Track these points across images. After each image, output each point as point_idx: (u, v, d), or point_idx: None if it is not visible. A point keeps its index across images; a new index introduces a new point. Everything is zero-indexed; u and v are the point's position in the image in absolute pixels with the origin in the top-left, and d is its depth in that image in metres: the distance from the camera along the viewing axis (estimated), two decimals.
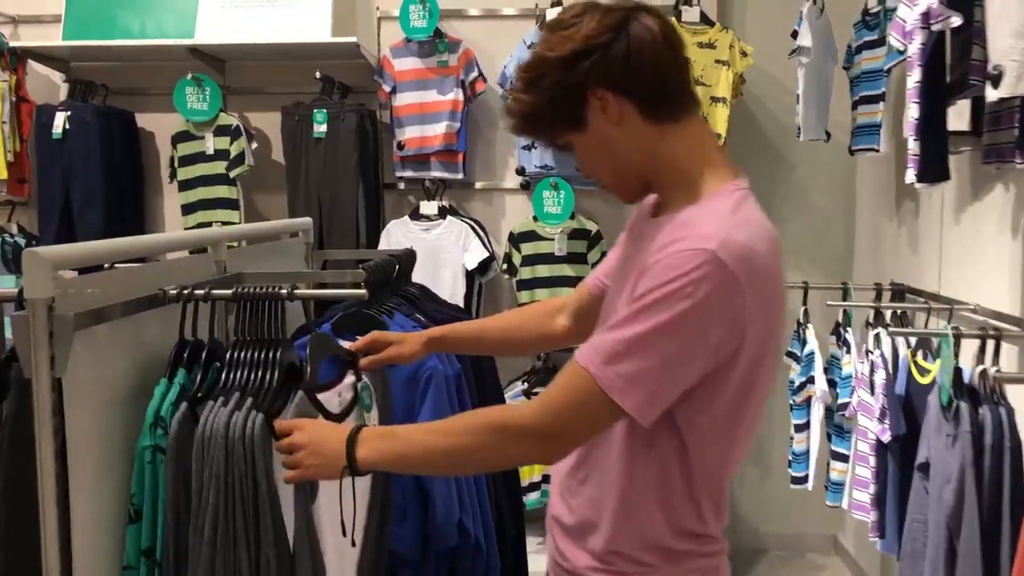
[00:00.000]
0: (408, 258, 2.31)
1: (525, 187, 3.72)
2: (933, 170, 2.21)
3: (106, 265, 2.23)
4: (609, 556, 1.24)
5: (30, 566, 1.31)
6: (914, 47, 2.12)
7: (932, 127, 2.16)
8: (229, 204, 3.65)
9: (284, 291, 1.52)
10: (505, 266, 3.63)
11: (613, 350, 1.11)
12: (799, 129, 3.27)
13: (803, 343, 3.01)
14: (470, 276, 3.57)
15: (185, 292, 1.54)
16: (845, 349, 2.91)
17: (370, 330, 1.98)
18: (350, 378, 1.58)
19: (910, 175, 2.23)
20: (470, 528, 1.91)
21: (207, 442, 1.39)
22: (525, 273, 3.59)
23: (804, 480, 3.08)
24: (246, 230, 2.14)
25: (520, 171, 3.65)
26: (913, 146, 2.19)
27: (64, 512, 1.32)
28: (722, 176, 1.21)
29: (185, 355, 1.53)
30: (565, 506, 1.32)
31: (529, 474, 3.50)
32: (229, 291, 1.55)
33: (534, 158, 3.55)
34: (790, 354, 3.11)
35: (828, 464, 3.04)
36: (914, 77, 2.13)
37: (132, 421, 1.50)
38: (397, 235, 3.58)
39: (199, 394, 1.48)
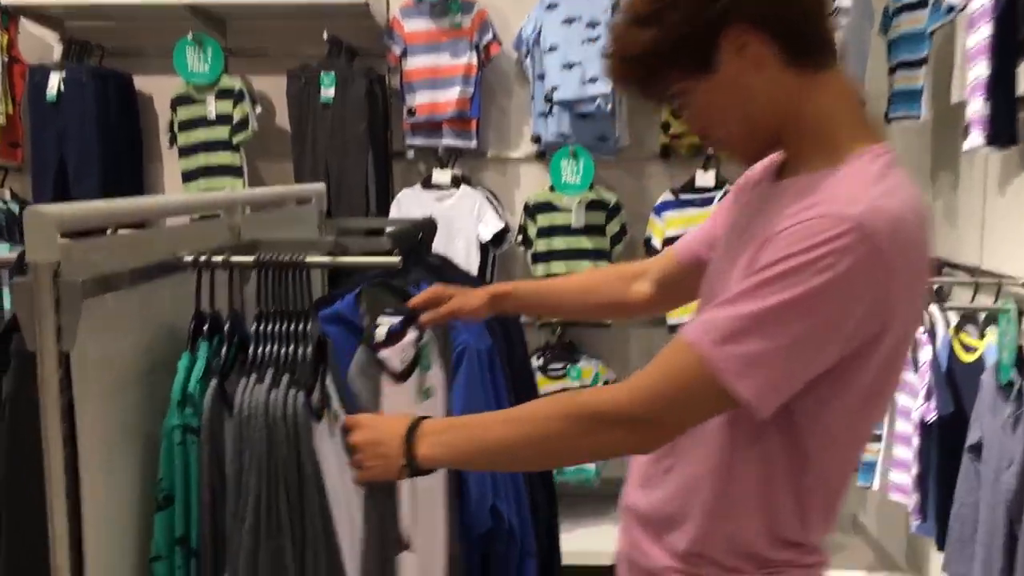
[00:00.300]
0: (430, 227, 2.18)
1: (541, 156, 3.57)
2: (1004, 132, 2.06)
3: (108, 232, 2.09)
4: (692, 558, 1.11)
5: (35, 568, 1.18)
6: (979, 1, 1.97)
7: (1003, 85, 2.01)
8: (232, 171, 3.50)
9: (313, 259, 1.38)
10: (520, 238, 3.49)
11: (730, 328, 0.96)
12: None
13: None
14: (484, 248, 3.43)
15: (202, 259, 1.40)
16: None
17: (397, 299, 1.85)
18: (412, 335, 1.44)
19: (976, 138, 2.08)
20: (504, 512, 1.79)
21: (245, 422, 1.27)
22: (541, 245, 3.45)
23: None
24: (261, 195, 2.00)
25: (536, 139, 3.50)
26: (982, 107, 2.04)
27: (74, 505, 1.19)
28: (865, 137, 1.04)
29: (205, 328, 1.39)
30: (644, 496, 1.18)
31: None
32: (250, 258, 1.40)
33: (551, 125, 3.40)
34: None
35: None
36: (981, 33, 1.99)
37: (147, 400, 1.36)
38: (408, 205, 3.43)
39: (225, 370, 1.36)
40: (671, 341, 1.03)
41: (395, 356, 1.38)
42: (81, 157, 3.42)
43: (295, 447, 1.30)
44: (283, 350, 1.39)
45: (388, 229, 3.03)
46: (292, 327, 1.40)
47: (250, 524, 1.28)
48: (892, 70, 2.92)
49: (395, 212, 3.43)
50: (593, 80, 3.25)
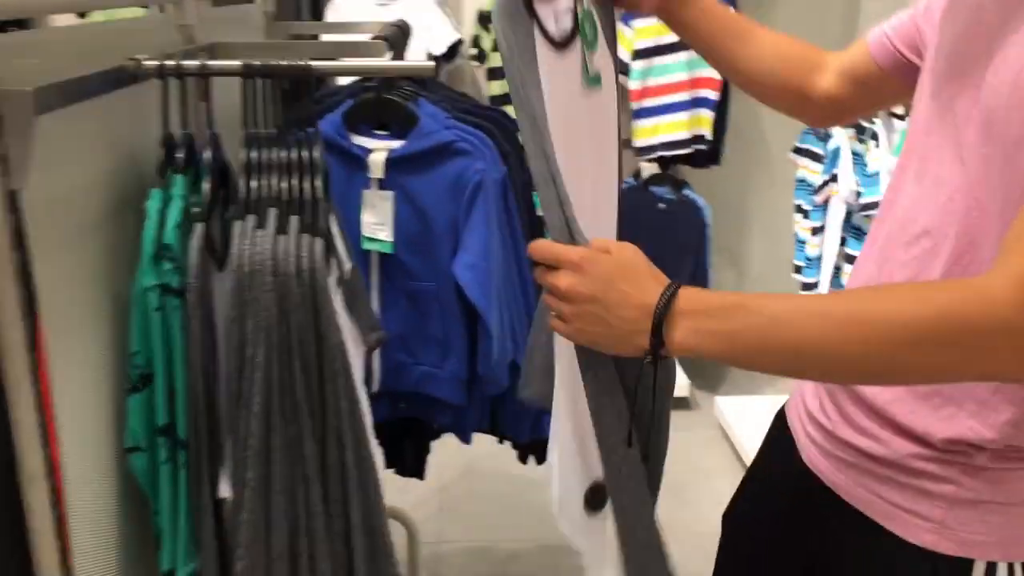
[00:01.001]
0: (407, 32, 1.85)
1: None
2: None
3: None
4: (957, 444, 0.85)
5: None
6: None
7: None
8: None
9: (323, 64, 1.07)
10: (474, 51, 3.14)
11: None
12: None
13: (825, 138, 2.69)
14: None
15: (169, 64, 1.07)
16: (875, 142, 2.61)
17: (395, 119, 1.56)
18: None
19: None
20: None
21: (247, 280, 0.99)
22: (496, 59, 3.10)
23: (815, 286, 2.87)
24: None
25: None
26: None
27: (37, 384, 0.91)
28: None
29: (178, 156, 1.08)
30: None
31: None
32: (237, 63, 1.08)
33: None
34: (802, 151, 2.80)
35: (838, 269, 2.82)
36: None
37: (112, 250, 1.07)
38: (346, 11, 3.00)
39: (208, 212, 1.06)
40: None
41: (549, 16, 0.97)
42: None
43: (312, 310, 1.04)
44: (283, 184, 1.10)
45: (329, 35, 2.64)
46: (290, 153, 1.11)
47: (259, 408, 1.03)
48: None
49: (331, 19, 3.01)
50: None
